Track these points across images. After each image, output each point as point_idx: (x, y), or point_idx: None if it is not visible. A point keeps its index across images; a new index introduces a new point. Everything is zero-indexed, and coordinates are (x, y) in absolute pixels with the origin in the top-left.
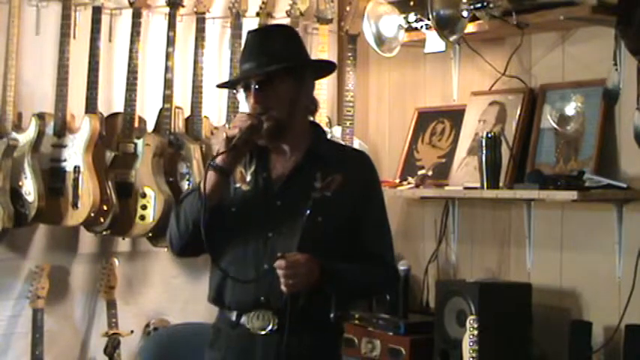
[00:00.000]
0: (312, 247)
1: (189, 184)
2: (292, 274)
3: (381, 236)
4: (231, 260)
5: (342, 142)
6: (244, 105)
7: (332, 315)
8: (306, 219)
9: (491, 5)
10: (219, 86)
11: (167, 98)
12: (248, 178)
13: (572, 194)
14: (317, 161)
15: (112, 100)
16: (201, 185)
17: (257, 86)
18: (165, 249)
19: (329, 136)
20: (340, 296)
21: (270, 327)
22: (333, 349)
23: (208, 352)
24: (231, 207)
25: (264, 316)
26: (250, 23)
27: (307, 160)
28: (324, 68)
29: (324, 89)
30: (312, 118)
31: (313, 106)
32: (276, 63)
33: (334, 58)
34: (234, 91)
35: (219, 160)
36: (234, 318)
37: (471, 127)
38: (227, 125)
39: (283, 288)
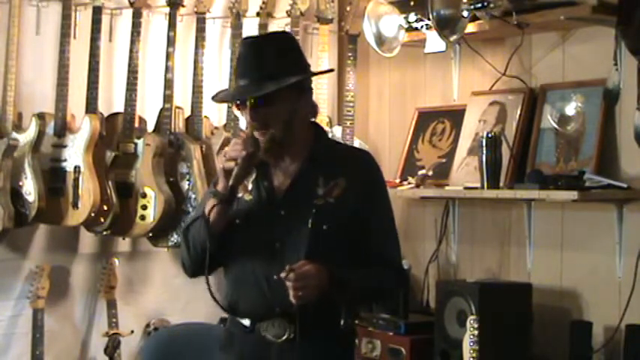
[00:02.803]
0: (320, 256)
1: (189, 184)
2: (302, 286)
3: (388, 238)
4: (242, 272)
5: (344, 142)
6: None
7: (342, 322)
8: (311, 228)
9: (491, 5)
10: (214, 100)
11: (167, 98)
12: (250, 187)
13: (573, 194)
14: (319, 166)
15: (112, 100)
16: (206, 213)
17: (253, 104)
18: (166, 249)
19: (330, 136)
20: (350, 304)
21: (285, 335)
22: (347, 354)
23: (220, 356)
24: (236, 219)
25: (280, 324)
26: (250, 23)
27: (309, 165)
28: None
29: (324, 89)
30: (313, 120)
31: (312, 113)
32: (271, 81)
33: (334, 58)
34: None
35: (219, 189)
36: (248, 324)
37: (472, 127)
38: (231, 129)
39: (292, 299)
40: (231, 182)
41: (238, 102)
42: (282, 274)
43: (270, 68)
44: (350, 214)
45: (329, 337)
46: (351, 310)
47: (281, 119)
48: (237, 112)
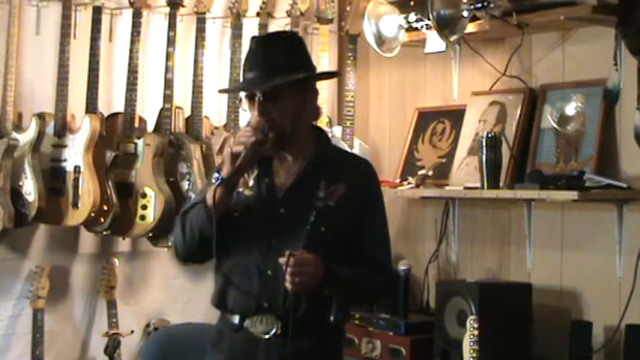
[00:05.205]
0: (315, 254)
1: (189, 184)
2: (299, 273)
3: (381, 243)
4: (235, 266)
5: (346, 148)
6: (247, 113)
7: (332, 317)
8: (309, 228)
9: (491, 5)
10: (221, 91)
11: (167, 98)
12: (251, 183)
13: (573, 194)
14: (321, 169)
15: (112, 100)
16: (209, 199)
17: (262, 98)
18: (166, 249)
19: (330, 136)
20: (341, 299)
21: (273, 331)
22: (334, 351)
23: (211, 353)
24: (234, 212)
25: (268, 320)
26: (250, 23)
27: (311, 168)
28: (328, 75)
29: (324, 89)
30: (315, 123)
31: (316, 114)
32: (282, 74)
33: (334, 58)
34: (237, 100)
35: (224, 174)
36: (236, 321)
37: (472, 127)
38: (231, 128)
39: (288, 285)
40: (238, 163)
41: (246, 94)
42: (282, 260)
43: (279, 62)
44: (348, 218)
45: (317, 334)
46: (341, 307)
47: (289, 115)
48: (244, 107)
